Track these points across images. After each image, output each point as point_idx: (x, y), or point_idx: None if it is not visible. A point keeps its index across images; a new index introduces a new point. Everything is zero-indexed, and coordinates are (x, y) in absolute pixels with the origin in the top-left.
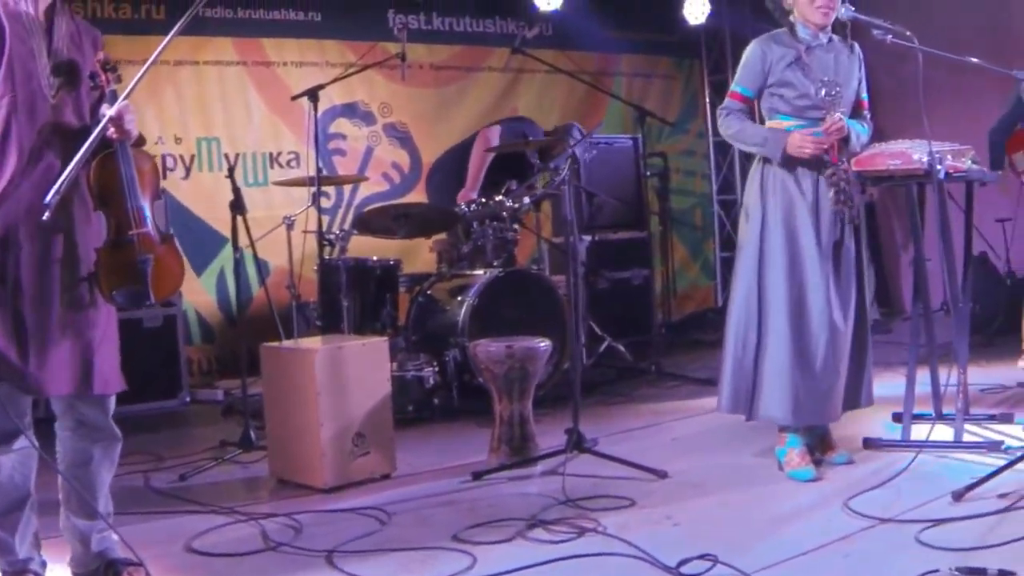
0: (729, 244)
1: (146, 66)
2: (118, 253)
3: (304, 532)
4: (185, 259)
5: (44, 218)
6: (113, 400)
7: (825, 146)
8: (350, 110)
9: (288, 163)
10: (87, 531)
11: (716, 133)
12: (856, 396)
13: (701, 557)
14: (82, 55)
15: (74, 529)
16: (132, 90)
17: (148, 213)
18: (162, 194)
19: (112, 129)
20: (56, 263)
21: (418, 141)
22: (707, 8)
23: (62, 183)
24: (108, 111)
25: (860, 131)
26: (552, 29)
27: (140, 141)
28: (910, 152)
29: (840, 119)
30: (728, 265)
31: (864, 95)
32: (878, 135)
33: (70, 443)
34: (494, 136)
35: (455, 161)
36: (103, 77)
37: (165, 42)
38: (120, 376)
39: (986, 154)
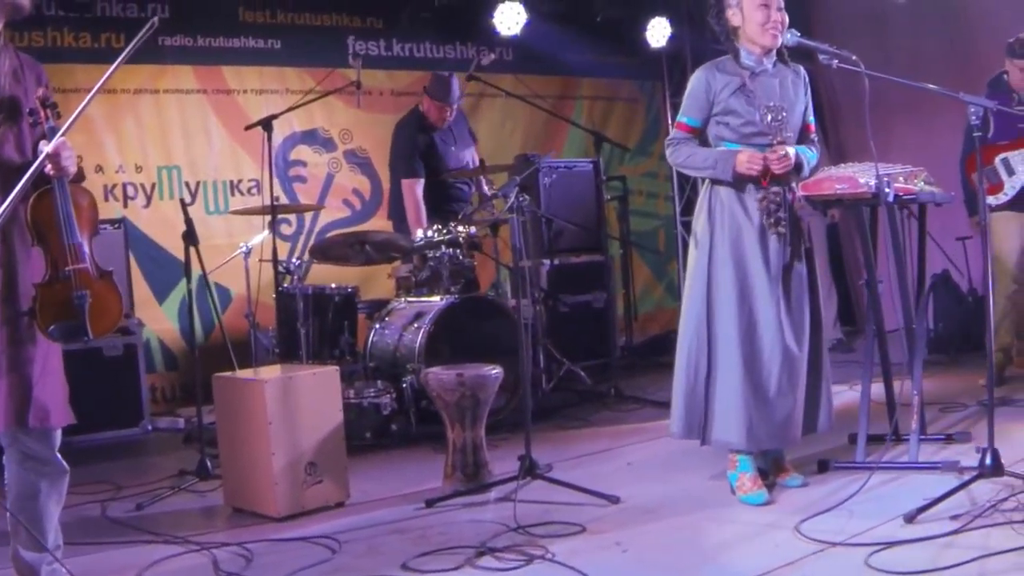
0: None
1: (86, 100)
2: (55, 289)
3: (255, 562)
4: (147, 288)
5: None
6: (58, 434)
7: (769, 171)
8: (310, 137)
9: (249, 190)
10: (36, 564)
11: None
12: (813, 420)
13: None
14: (24, 91)
15: (23, 562)
16: (69, 127)
17: (86, 249)
18: (121, 224)
19: (49, 165)
20: None
21: (379, 167)
22: (668, 31)
23: None
24: (46, 147)
25: (810, 157)
26: (512, 54)
27: (79, 177)
28: (856, 176)
29: (786, 154)
30: None
31: (811, 119)
32: (838, 153)
33: (16, 476)
34: (418, 187)
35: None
36: (42, 114)
37: (108, 74)
38: (65, 410)
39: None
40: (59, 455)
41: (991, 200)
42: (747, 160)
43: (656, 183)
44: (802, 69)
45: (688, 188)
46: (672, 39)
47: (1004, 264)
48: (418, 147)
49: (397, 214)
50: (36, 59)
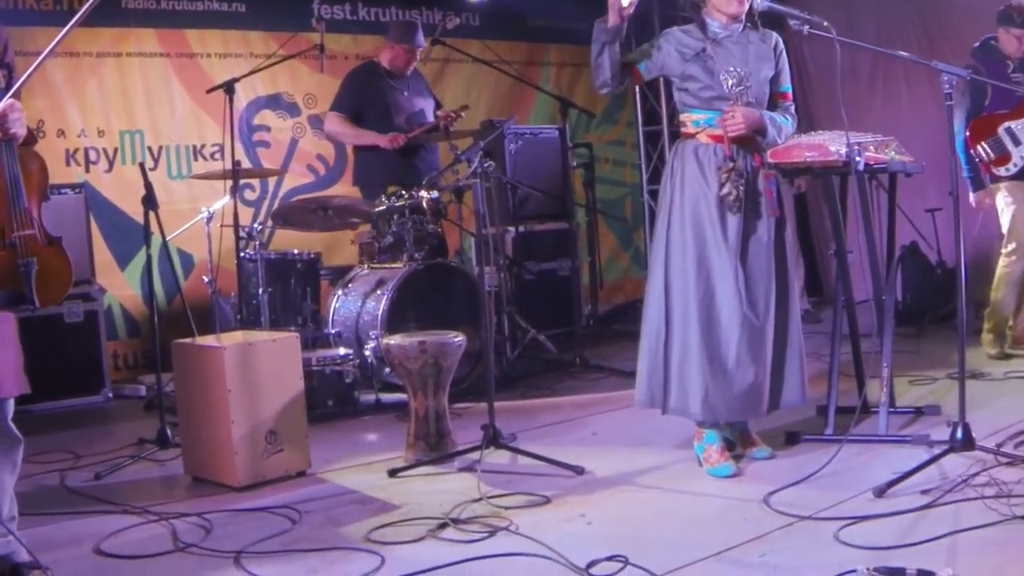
0: None
1: (37, 62)
2: (0, 256)
3: (214, 532)
4: (108, 253)
5: None
6: (11, 404)
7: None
8: (274, 101)
9: (212, 155)
10: None
11: (646, 123)
12: (778, 394)
13: (611, 558)
14: None
15: None
16: (18, 88)
17: (34, 215)
18: (81, 188)
19: None
20: None
21: None
22: None
23: None
24: None
25: (782, 123)
26: (479, 19)
27: (30, 140)
28: (827, 144)
29: (736, 114)
30: None
31: (786, 86)
32: (807, 122)
33: None
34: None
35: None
36: None
37: (62, 34)
38: (17, 379)
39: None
40: (12, 425)
41: (1001, 171)
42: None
43: (623, 151)
44: (774, 35)
45: (655, 157)
46: (640, 5)
47: (1019, 232)
48: (367, 93)
49: (362, 179)
50: None
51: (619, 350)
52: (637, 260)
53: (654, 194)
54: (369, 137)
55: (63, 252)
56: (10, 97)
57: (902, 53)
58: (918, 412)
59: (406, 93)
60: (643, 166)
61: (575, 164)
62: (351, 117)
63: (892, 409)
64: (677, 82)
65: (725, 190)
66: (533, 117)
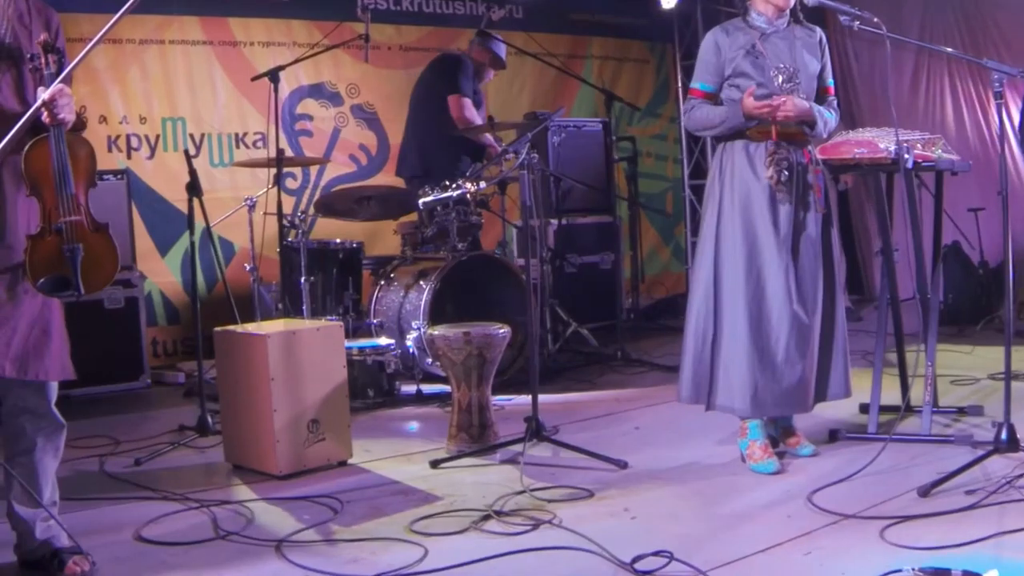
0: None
1: (84, 51)
2: (46, 241)
3: (255, 520)
4: (150, 240)
5: None
6: (55, 388)
7: (778, 113)
8: (317, 91)
9: (254, 144)
10: (31, 519)
11: None
12: (824, 388)
13: (656, 554)
14: (28, 35)
15: (18, 517)
16: (68, 73)
17: (81, 201)
18: (124, 175)
19: (45, 113)
20: None
21: (385, 123)
22: None
23: None
24: (42, 95)
25: (827, 116)
26: (523, 11)
27: (79, 126)
28: (876, 141)
29: (787, 100)
30: None
31: (830, 81)
32: (849, 119)
33: (12, 429)
34: (467, 107)
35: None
36: (42, 59)
37: (114, 20)
38: (63, 364)
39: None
40: (56, 409)
41: None
42: (753, 103)
43: (665, 145)
44: (818, 30)
45: (697, 152)
46: (683, 0)
47: None
48: (476, 88)
49: (409, 170)
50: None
51: (660, 344)
52: (677, 255)
53: (695, 189)
54: (490, 136)
55: (109, 239)
56: (59, 83)
57: (950, 50)
58: (961, 412)
59: (479, 107)
60: (685, 161)
61: (618, 158)
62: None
63: (934, 409)
64: (728, 79)
65: (770, 172)
66: (575, 110)
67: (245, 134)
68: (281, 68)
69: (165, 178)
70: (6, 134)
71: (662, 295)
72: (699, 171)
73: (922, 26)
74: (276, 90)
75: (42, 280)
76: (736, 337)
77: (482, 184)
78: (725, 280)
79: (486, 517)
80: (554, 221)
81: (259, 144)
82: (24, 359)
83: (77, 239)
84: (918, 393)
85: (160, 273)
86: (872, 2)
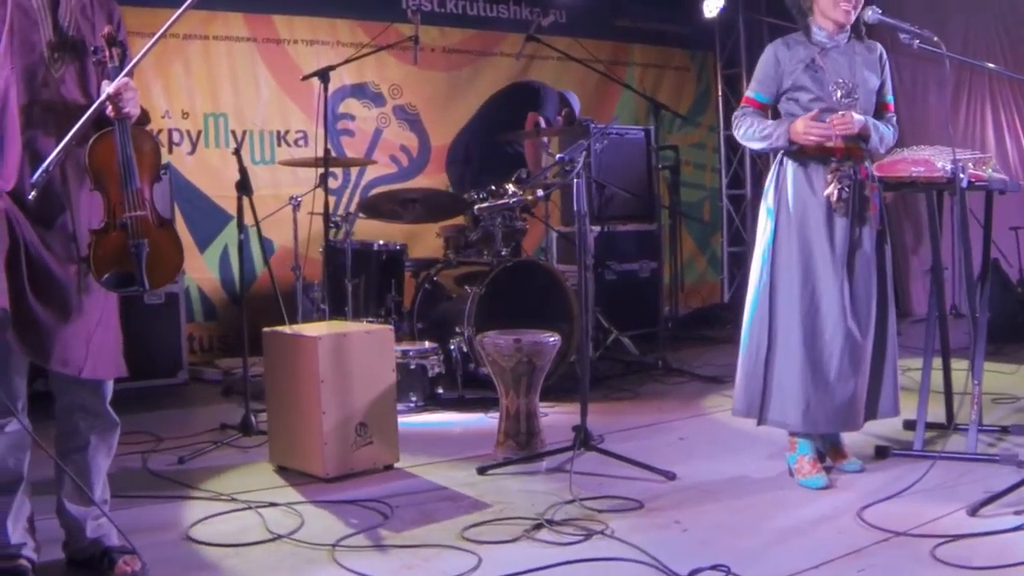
0: (737, 239)
1: (149, 44)
2: (111, 236)
3: (306, 523)
4: (189, 235)
5: (29, 197)
6: (110, 386)
7: (831, 137)
8: (360, 91)
9: (296, 142)
10: (82, 517)
11: (727, 127)
12: (875, 406)
13: (714, 568)
14: (91, 28)
15: (68, 515)
16: (133, 67)
17: (146, 196)
18: (167, 170)
19: (109, 107)
20: (56, 242)
21: (427, 124)
22: (722, 1)
23: (49, 162)
24: (107, 88)
25: (885, 132)
26: (566, 17)
27: (143, 120)
28: (933, 160)
29: (848, 115)
30: (735, 260)
31: (889, 97)
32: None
33: (66, 427)
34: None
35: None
36: (106, 52)
37: (174, 17)
38: (118, 362)
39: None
40: (110, 408)
41: None
42: (803, 128)
43: (704, 154)
44: (878, 46)
45: (735, 161)
46: (726, 9)
47: None
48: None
49: (457, 172)
50: None
51: (699, 354)
52: (713, 264)
53: (733, 199)
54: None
55: (174, 234)
56: (124, 76)
57: (995, 67)
58: (1004, 431)
59: None
60: (723, 170)
61: (660, 166)
62: None
63: (981, 427)
64: (786, 93)
65: (830, 188)
66: (616, 117)
67: (287, 132)
68: (332, 68)
69: (206, 174)
70: (71, 127)
71: (698, 305)
72: (737, 181)
73: (964, 43)
74: (326, 89)
75: (107, 275)
76: (790, 352)
77: (540, 192)
78: (780, 295)
79: (538, 526)
80: (595, 227)
81: (301, 142)
82: (87, 357)
83: (143, 234)
84: (961, 411)
85: (198, 269)
86: (916, 20)
